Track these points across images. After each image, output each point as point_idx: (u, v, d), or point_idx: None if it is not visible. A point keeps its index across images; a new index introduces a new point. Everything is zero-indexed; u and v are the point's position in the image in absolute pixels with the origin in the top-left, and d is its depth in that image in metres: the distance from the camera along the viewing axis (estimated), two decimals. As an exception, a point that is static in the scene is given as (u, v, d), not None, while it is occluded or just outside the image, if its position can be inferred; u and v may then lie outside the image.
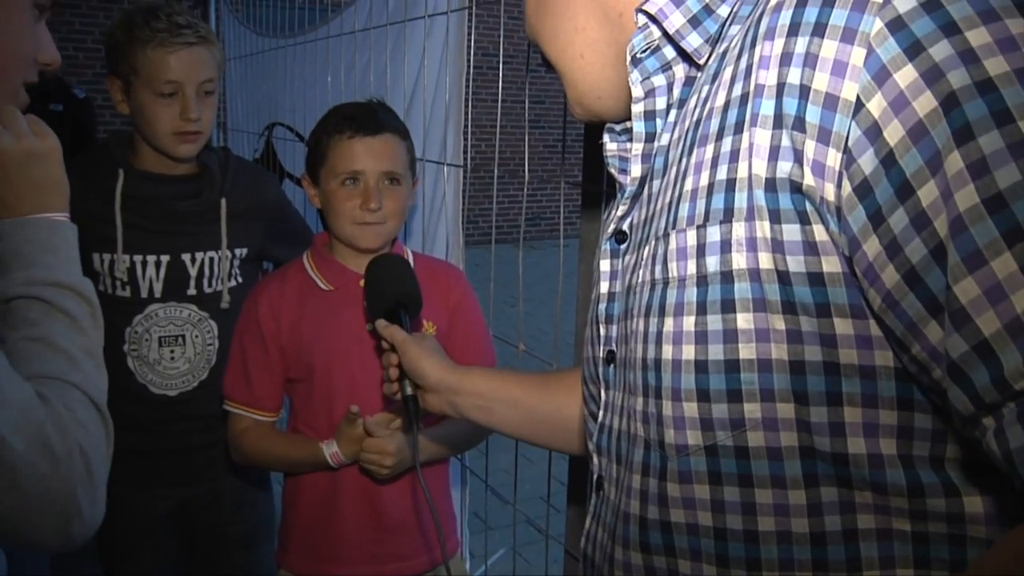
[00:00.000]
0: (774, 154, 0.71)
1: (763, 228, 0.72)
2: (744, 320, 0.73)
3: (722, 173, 0.76)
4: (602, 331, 0.96)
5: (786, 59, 0.71)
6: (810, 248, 0.70)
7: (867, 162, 0.65)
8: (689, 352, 0.77)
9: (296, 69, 3.02)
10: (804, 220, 0.70)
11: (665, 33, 0.87)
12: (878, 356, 0.70)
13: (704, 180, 0.78)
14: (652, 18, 0.87)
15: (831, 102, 0.67)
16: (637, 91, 0.90)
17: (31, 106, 1.05)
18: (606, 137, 0.97)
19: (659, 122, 0.90)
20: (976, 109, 0.60)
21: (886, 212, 0.64)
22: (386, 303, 1.42)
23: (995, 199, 0.58)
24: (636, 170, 0.92)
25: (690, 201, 0.79)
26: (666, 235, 0.81)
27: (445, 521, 1.83)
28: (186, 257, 1.93)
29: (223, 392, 1.76)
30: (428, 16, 2.12)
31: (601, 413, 0.96)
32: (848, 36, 0.67)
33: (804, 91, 0.69)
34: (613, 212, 0.98)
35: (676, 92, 0.90)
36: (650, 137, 0.91)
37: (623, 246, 0.94)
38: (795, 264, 0.71)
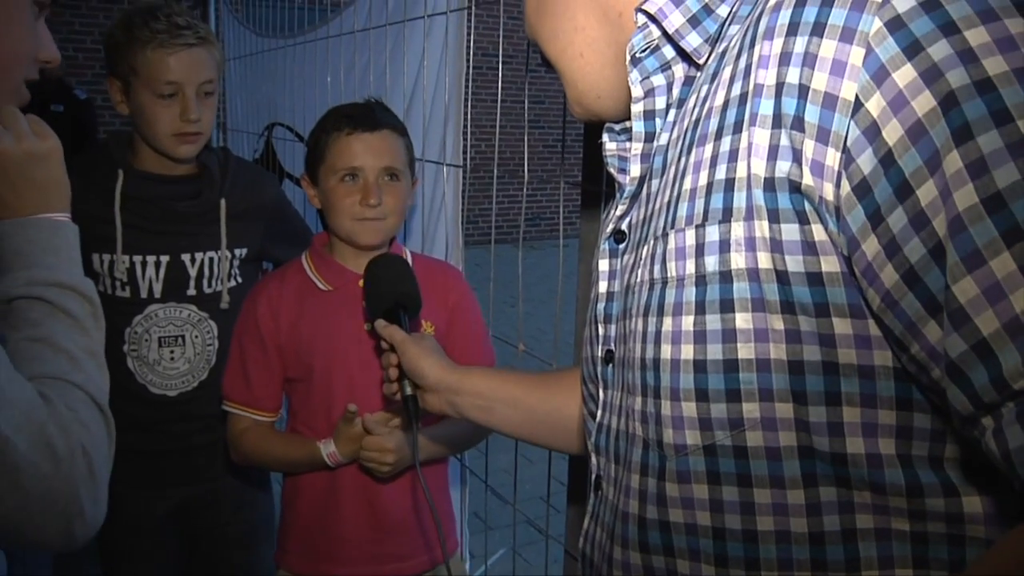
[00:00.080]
0: (773, 154, 0.71)
1: (762, 228, 0.72)
2: (743, 320, 0.73)
3: (721, 173, 0.76)
4: (601, 331, 0.96)
5: (785, 59, 0.71)
6: (809, 248, 0.70)
7: (866, 162, 0.65)
8: (688, 352, 0.77)
9: (296, 69, 3.02)
10: (803, 220, 0.70)
11: (664, 33, 0.87)
12: (877, 356, 0.70)
13: (703, 180, 0.78)
14: (652, 18, 0.87)
15: (830, 101, 0.67)
16: (636, 91, 0.90)
17: (31, 106, 1.05)
18: (605, 137, 0.97)
19: (658, 122, 0.90)
20: (975, 109, 0.60)
21: (885, 212, 0.64)
22: (385, 303, 1.42)
23: (994, 199, 0.58)
24: (635, 170, 0.92)
25: (689, 201, 0.79)
26: (665, 235, 0.81)
27: (444, 521, 1.83)
28: (186, 257, 1.93)
29: (222, 392, 1.77)
30: (427, 16, 2.12)
31: (600, 413, 0.96)
32: (847, 35, 0.67)
33: (803, 91, 0.69)
34: (612, 212, 0.98)
35: (675, 92, 0.90)
36: (649, 137, 0.91)
37: (622, 246, 0.94)
38: (794, 264, 0.71)
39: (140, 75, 1.83)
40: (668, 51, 0.89)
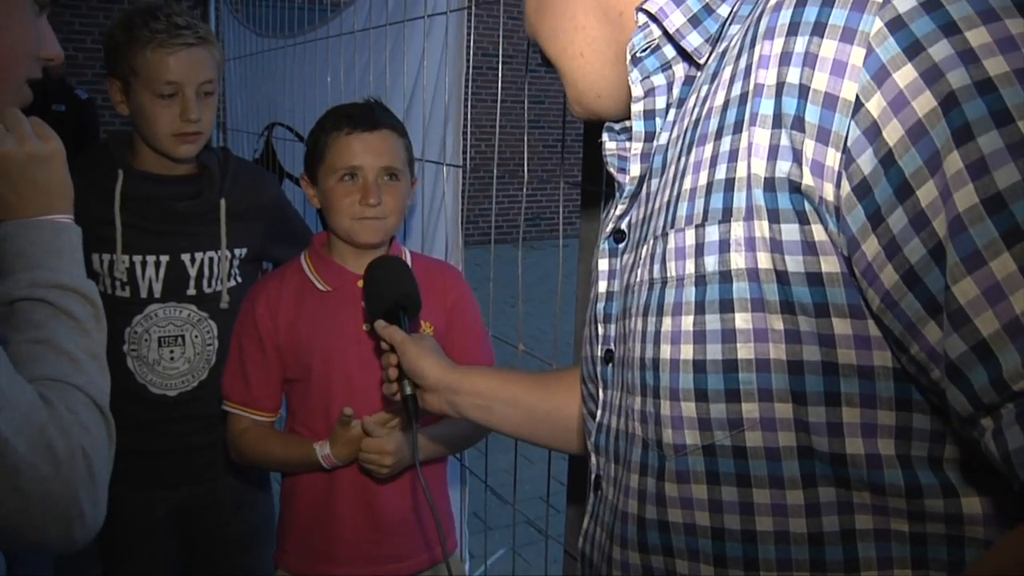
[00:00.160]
0: (773, 154, 0.71)
1: (762, 228, 0.72)
2: (743, 320, 0.73)
3: (721, 172, 0.76)
4: (600, 330, 0.96)
5: (785, 58, 0.71)
6: (809, 248, 0.70)
7: (866, 162, 0.65)
8: (687, 352, 0.77)
9: (296, 69, 3.02)
10: (803, 220, 0.70)
11: (665, 32, 0.87)
12: (876, 356, 0.70)
13: (703, 179, 0.78)
14: (652, 17, 0.87)
15: (830, 102, 0.67)
16: (637, 90, 0.90)
17: (34, 106, 1.05)
18: (605, 136, 0.97)
19: (658, 121, 0.90)
20: (975, 109, 0.60)
21: (885, 212, 0.64)
22: (385, 304, 1.42)
23: (994, 199, 0.58)
24: (635, 169, 0.92)
25: (689, 200, 0.79)
26: (664, 234, 0.81)
27: (443, 521, 1.83)
28: (185, 257, 1.93)
29: (221, 392, 1.77)
30: (427, 16, 2.12)
31: (599, 412, 0.96)
32: (848, 36, 0.67)
33: (803, 91, 0.69)
34: (612, 211, 0.98)
35: (676, 91, 0.90)
36: (649, 136, 0.91)
37: (621, 245, 0.94)
38: (794, 264, 0.71)
39: (140, 75, 1.82)
40: (669, 51, 0.88)
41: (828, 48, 0.68)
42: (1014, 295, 0.57)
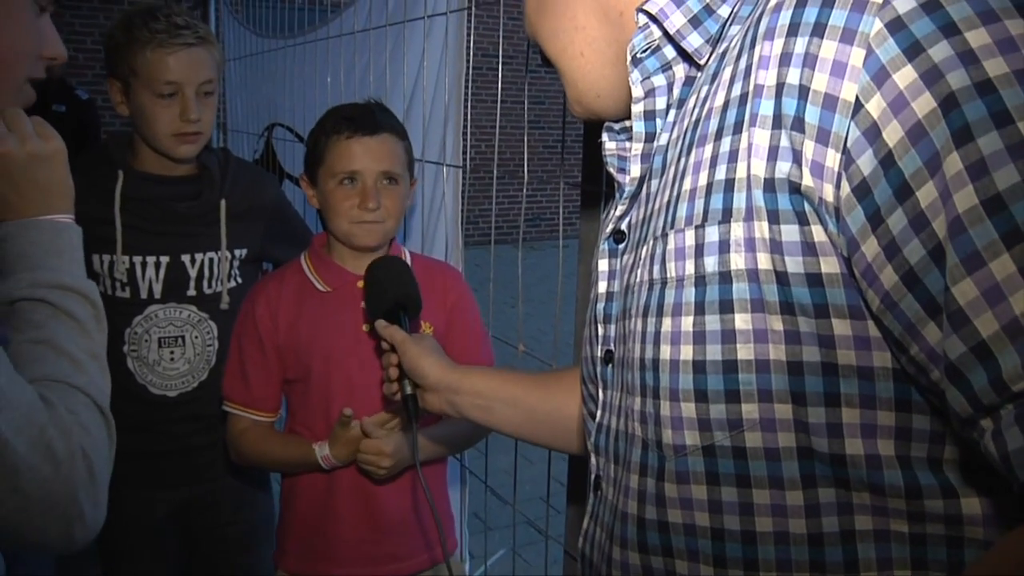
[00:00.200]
0: (773, 154, 0.71)
1: (762, 228, 0.72)
2: (742, 320, 0.73)
3: (721, 173, 0.76)
4: (600, 331, 0.96)
5: (785, 59, 0.71)
6: (809, 249, 0.70)
7: (866, 163, 0.65)
8: (687, 352, 0.77)
9: (296, 70, 3.02)
10: (803, 221, 0.70)
11: (666, 33, 0.87)
12: (876, 357, 0.70)
13: (703, 180, 0.78)
14: (653, 18, 0.87)
15: (830, 102, 0.67)
16: (637, 91, 0.90)
17: (33, 107, 1.05)
18: (605, 136, 0.97)
19: (659, 122, 0.90)
20: (975, 110, 0.60)
21: (885, 213, 0.64)
22: (386, 304, 1.42)
23: (994, 201, 0.58)
24: (635, 170, 0.92)
25: (688, 201, 0.79)
26: (664, 235, 0.81)
27: (443, 521, 1.83)
28: (186, 258, 1.93)
29: (221, 392, 1.77)
30: (427, 17, 2.12)
31: (599, 413, 0.96)
32: (847, 36, 0.67)
33: (803, 91, 0.69)
34: (612, 212, 0.98)
35: (676, 92, 0.90)
36: (650, 137, 0.91)
37: (621, 246, 0.94)
38: (793, 265, 0.71)
39: (140, 75, 1.83)
40: (669, 51, 0.88)
41: (828, 49, 0.68)
42: (1014, 296, 0.57)
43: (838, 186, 0.67)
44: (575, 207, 2.17)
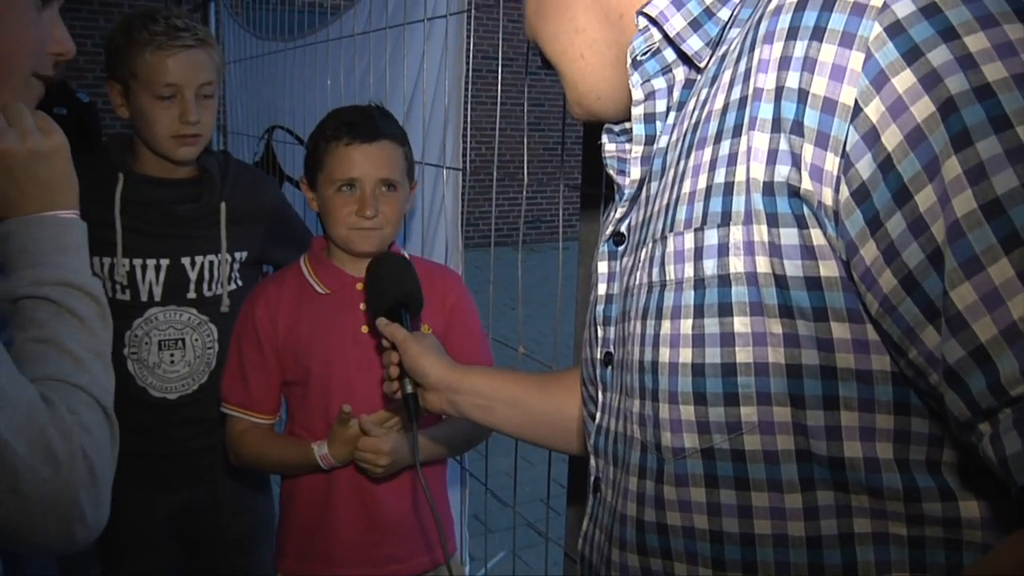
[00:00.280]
0: (772, 158, 0.71)
1: (760, 232, 0.72)
2: (741, 324, 0.73)
3: (720, 176, 0.76)
4: (600, 333, 0.96)
5: (785, 63, 0.71)
6: (807, 252, 0.70)
7: (865, 167, 0.65)
8: (686, 355, 0.77)
9: (296, 72, 3.02)
10: (802, 224, 0.70)
11: (666, 36, 0.87)
12: (875, 360, 0.70)
13: (702, 183, 0.78)
14: (653, 21, 0.87)
15: (829, 106, 0.67)
16: (637, 94, 0.90)
17: (36, 109, 1.04)
18: (605, 138, 0.97)
19: (658, 124, 0.90)
20: (974, 114, 0.60)
21: (883, 217, 0.64)
22: (387, 302, 1.42)
23: (992, 205, 0.58)
24: (635, 172, 0.92)
25: (688, 204, 0.79)
26: (663, 238, 0.81)
27: (442, 523, 1.83)
28: (186, 261, 1.94)
29: (220, 394, 1.77)
30: (427, 19, 2.12)
31: (599, 415, 0.96)
32: (847, 40, 0.67)
33: (802, 95, 0.69)
34: (611, 214, 0.98)
35: (676, 95, 0.90)
36: (650, 140, 0.91)
37: (621, 248, 0.94)
38: (792, 268, 0.71)
39: (139, 78, 1.83)
40: (669, 54, 0.89)
41: (827, 53, 0.68)
42: (1012, 300, 0.57)
43: (837, 190, 0.67)
44: (575, 209, 2.17)
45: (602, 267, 0.97)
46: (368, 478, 1.67)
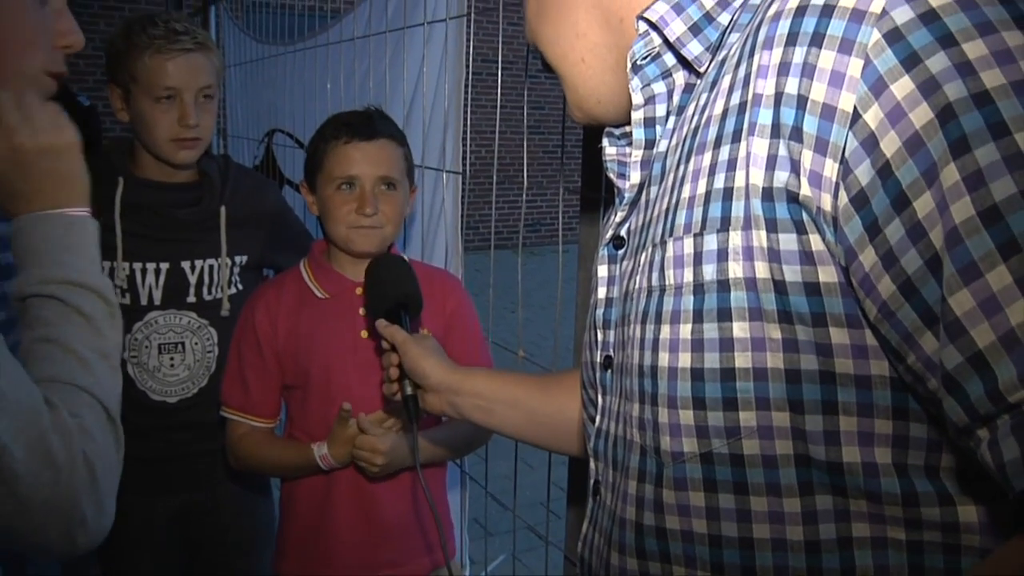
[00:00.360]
0: (771, 164, 0.71)
1: (760, 237, 0.72)
2: (740, 329, 0.74)
3: (719, 182, 0.76)
4: (599, 336, 0.96)
5: (784, 69, 0.71)
6: (806, 258, 0.70)
7: (864, 173, 0.65)
8: (685, 360, 0.77)
9: (296, 76, 3.03)
10: (801, 230, 0.70)
11: (666, 40, 0.87)
12: (873, 365, 0.70)
13: (701, 188, 0.78)
14: (653, 25, 0.87)
15: (828, 112, 0.67)
16: (637, 98, 0.90)
17: None
18: (605, 141, 0.97)
19: (658, 128, 0.91)
20: (972, 121, 0.60)
21: (882, 223, 0.64)
22: (387, 303, 1.42)
23: (991, 211, 0.58)
24: (635, 176, 0.92)
25: (687, 209, 0.79)
26: (663, 242, 0.81)
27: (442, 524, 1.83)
28: (185, 265, 1.94)
29: (221, 398, 1.77)
30: (427, 23, 2.12)
31: (598, 418, 0.96)
32: (846, 47, 0.67)
33: (801, 101, 0.69)
34: (612, 218, 0.98)
35: (676, 99, 0.90)
36: (649, 144, 0.91)
37: (621, 251, 0.94)
38: (791, 273, 0.71)
39: (139, 81, 1.83)
40: (669, 58, 0.89)
41: (826, 59, 0.68)
42: (1010, 307, 0.57)
43: (836, 196, 0.67)
44: (575, 212, 2.17)
45: (602, 271, 0.97)
46: (367, 480, 1.67)
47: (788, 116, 0.70)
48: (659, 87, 0.90)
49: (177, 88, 1.84)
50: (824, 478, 0.73)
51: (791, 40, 0.71)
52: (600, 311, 0.96)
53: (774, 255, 0.71)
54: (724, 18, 0.86)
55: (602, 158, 0.98)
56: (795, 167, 0.70)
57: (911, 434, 0.71)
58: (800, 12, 0.71)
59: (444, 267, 2.14)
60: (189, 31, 1.86)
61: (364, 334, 1.69)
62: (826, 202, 0.68)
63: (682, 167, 0.82)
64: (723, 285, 0.74)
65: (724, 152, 0.76)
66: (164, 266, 1.92)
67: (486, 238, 10.63)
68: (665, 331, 0.79)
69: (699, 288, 0.76)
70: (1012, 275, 0.57)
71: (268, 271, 2.17)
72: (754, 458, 0.75)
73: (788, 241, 0.71)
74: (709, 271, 0.75)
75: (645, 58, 0.88)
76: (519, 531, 2.02)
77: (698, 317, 0.76)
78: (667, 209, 0.82)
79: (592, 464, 0.98)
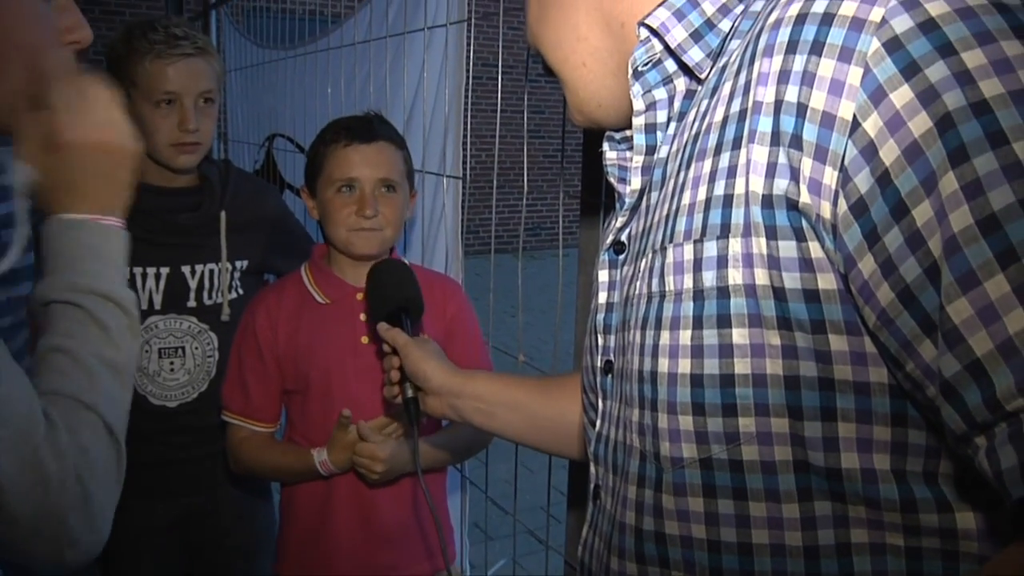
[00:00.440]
0: (771, 171, 0.72)
1: (759, 244, 0.72)
2: (740, 335, 0.74)
3: (719, 188, 0.76)
4: (600, 341, 0.96)
5: (784, 77, 0.71)
6: (806, 265, 0.71)
7: (863, 181, 0.65)
8: (685, 366, 0.77)
9: (296, 80, 3.03)
10: (800, 237, 0.71)
11: (667, 47, 0.87)
12: (872, 372, 0.70)
13: (701, 195, 0.78)
14: (654, 32, 0.87)
15: (828, 120, 0.67)
16: (638, 104, 0.90)
17: None
18: (606, 145, 0.97)
19: (659, 135, 0.91)
20: (971, 130, 0.60)
21: (881, 231, 0.65)
22: (389, 307, 1.43)
23: (989, 220, 0.58)
24: (636, 182, 0.92)
25: (687, 215, 0.79)
26: (663, 248, 0.81)
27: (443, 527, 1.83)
28: (186, 269, 1.94)
29: (221, 402, 1.77)
30: (428, 28, 2.12)
31: (599, 423, 0.96)
32: (845, 55, 0.67)
33: (801, 109, 0.69)
34: (612, 223, 0.98)
35: (677, 105, 0.90)
36: (650, 150, 0.91)
37: (621, 257, 0.95)
38: (791, 280, 0.71)
39: (139, 86, 1.84)
40: (670, 65, 0.89)
41: (826, 67, 0.68)
42: (1008, 316, 0.57)
43: (835, 203, 0.67)
44: (575, 216, 2.17)
45: (603, 276, 0.97)
46: (367, 485, 1.67)
47: (788, 124, 0.70)
48: (660, 93, 0.90)
49: (177, 93, 1.84)
50: (823, 484, 0.74)
51: (791, 48, 0.71)
52: (601, 316, 0.96)
53: (774, 262, 0.72)
54: (725, 24, 0.87)
55: (603, 162, 0.98)
56: (795, 175, 0.70)
57: (910, 441, 0.71)
58: (800, 20, 0.71)
59: (444, 271, 2.14)
60: (189, 36, 1.87)
61: (364, 339, 1.69)
62: (825, 210, 0.68)
63: (682, 173, 0.82)
64: (723, 292, 0.75)
65: (724, 159, 0.76)
66: (164, 270, 1.92)
67: (486, 242, 10.64)
68: (665, 337, 0.79)
69: (699, 294, 0.77)
70: (1010, 284, 0.57)
71: (269, 275, 2.17)
72: (753, 464, 0.75)
73: (788, 248, 0.71)
74: (709, 278, 0.76)
75: (646, 64, 0.89)
76: (519, 535, 2.02)
77: (698, 323, 0.76)
78: (667, 215, 0.82)
79: (592, 468, 0.98)
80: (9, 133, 0.97)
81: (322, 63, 2.79)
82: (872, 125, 0.65)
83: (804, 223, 0.70)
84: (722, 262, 0.75)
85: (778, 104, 0.71)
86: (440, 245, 2.20)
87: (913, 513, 0.72)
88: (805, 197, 0.69)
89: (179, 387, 1.96)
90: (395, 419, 1.63)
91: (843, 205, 0.67)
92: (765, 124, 0.72)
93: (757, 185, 0.72)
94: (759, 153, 0.72)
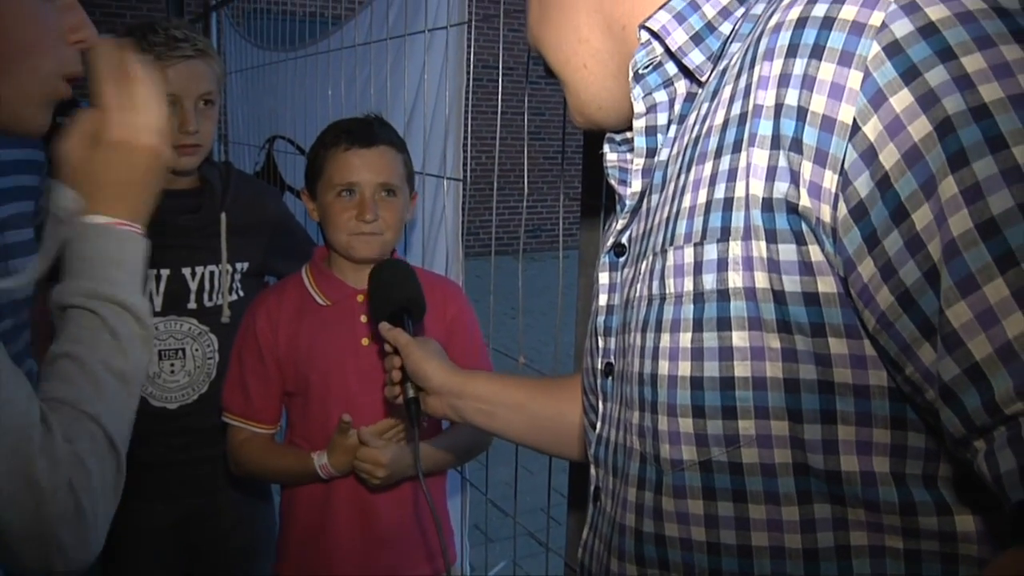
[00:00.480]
0: (771, 174, 0.72)
1: (759, 248, 0.72)
2: (739, 338, 0.74)
3: (720, 192, 0.76)
4: (600, 343, 0.96)
5: (784, 80, 0.71)
6: (805, 268, 0.71)
7: (863, 185, 0.66)
8: (685, 368, 0.77)
9: (297, 82, 3.03)
10: (800, 240, 0.71)
11: (667, 50, 0.87)
12: (872, 375, 0.70)
13: (702, 198, 0.78)
14: (655, 34, 0.87)
15: (828, 124, 0.68)
16: (639, 106, 0.90)
17: None
18: (606, 147, 0.97)
19: (660, 137, 0.91)
20: (971, 135, 0.60)
21: (881, 235, 0.65)
22: (390, 307, 1.43)
23: (988, 224, 0.58)
24: (636, 184, 0.93)
25: (688, 218, 0.79)
26: (663, 251, 0.81)
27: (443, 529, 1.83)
28: (186, 271, 1.94)
29: (221, 404, 1.77)
30: (428, 30, 2.13)
31: (599, 425, 0.96)
32: (846, 59, 0.67)
33: (801, 113, 0.69)
34: (613, 225, 0.98)
35: (677, 108, 0.90)
36: (651, 152, 0.91)
37: (622, 259, 0.95)
38: (790, 284, 0.71)
39: (140, 88, 1.83)
40: (671, 67, 0.89)
41: (826, 71, 0.68)
42: (1007, 320, 0.57)
43: (835, 207, 0.67)
44: (575, 218, 2.18)
45: (603, 278, 0.97)
46: (367, 488, 1.67)
47: (788, 127, 0.70)
48: (661, 96, 0.90)
49: (177, 95, 1.84)
50: (822, 487, 0.74)
51: (791, 52, 0.71)
52: (601, 318, 0.97)
53: (774, 265, 0.72)
54: (726, 28, 0.87)
55: (603, 164, 0.98)
56: (795, 178, 0.70)
57: (909, 444, 0.71)
58: (801, 24, 0.71)
59: (445, 273, 2.14)
60: (189, 38, 1.87)
61: (365, 341, 1.70)
62: (825, 213, 0.68)
63: (683, 176, 0.82)
64: (723, 295, 0.75)
65: (724, 162, 0.76)
66: (164, 272, 1.92)
67: (487, 244, 10.64)
68: (665, 339, 0.79)
69: (699, 297, 0.77)
70: (1009, 288, 0.57)
71: (270, 277, 2.17)
72: (753, 467, 0.75)
73: (788, 252, 0.71)
74: (709, 280, 0.76)
75: (647, 67, 0.89)
76: (520, 537, 2.02)
77: (698, 326, 0.76)
78: (668, 218, 0.82)
79: (592, 470, 0.98)
80: (19, 133, 0.96)
81: (322, 65, 2.79)
82: (872, 129, 0.65)
83: (804, 227, 0.70)
84: (722, 265, 0.75)
85: (778, 108, 0.71)
86: (440, 247, 2.21)
87: (912, 516, 0.72)
88: (805, 201, 0.69)
89: (179, 389, 1.96)
90: (396, 419, 1.63)
91: (843, 209, 0.67)
92: (765, 128, 0.72)
93: (757, 188, 0.73)
94: (759, 157, 0.73)
